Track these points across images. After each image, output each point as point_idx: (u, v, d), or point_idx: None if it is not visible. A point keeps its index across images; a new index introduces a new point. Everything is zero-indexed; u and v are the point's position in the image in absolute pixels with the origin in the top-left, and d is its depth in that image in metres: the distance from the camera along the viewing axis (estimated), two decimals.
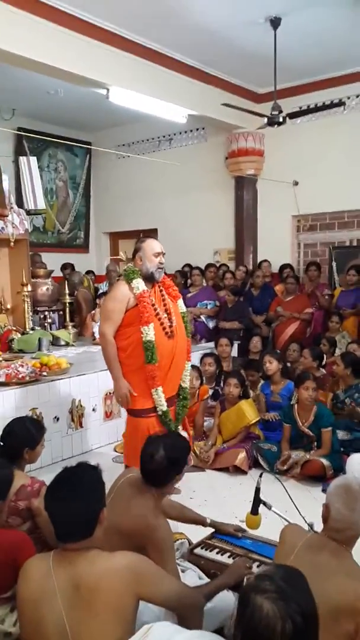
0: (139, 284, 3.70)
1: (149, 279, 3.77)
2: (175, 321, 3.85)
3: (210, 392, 5.31)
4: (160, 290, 3.90)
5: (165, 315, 3.82)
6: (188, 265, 8.03)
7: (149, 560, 1.88)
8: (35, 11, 4.94)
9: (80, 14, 5.28)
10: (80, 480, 1.78)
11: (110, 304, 3.79)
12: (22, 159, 6.85)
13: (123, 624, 1.65)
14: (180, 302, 4.07)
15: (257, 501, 2.45)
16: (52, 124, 8.70)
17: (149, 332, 3.63)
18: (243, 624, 1.26)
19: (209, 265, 7.90)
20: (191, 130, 8.56)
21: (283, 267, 7.31)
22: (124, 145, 9.21)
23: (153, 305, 3.74)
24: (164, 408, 3.74)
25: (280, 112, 5.77)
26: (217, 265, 8.10)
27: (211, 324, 7.15)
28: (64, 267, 8.63)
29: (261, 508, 2.46)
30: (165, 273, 4.00)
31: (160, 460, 2.31)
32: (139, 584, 1.72)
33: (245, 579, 2.20)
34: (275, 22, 5.55)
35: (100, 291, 7.45)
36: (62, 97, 7.46)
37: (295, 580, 1.32)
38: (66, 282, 7.15)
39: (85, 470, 1.84)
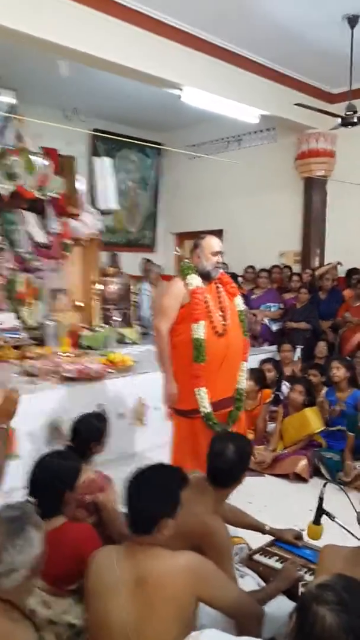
0: (193, 280, 3.66)
1: (205, 276, 3.73)
2: (229, 319, 3.76)
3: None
4: (217, 287, 3.82)
5: (220, 313, 3.73)
6: (251, 267, 7.96)
7: (212, 563, 1.88)
8: (110, 11, 4.99)
9: (154, 13, 5.31)
10: (155, 479, 1.84)
11: (165, 299, 3.76)
12: (97, 160, 7.02)
13: (182, 623, 1.67)
14: (238, 299, 3.96)
15: (320, 511, 2.41)
16: (124, 125, 8.84)
17: (198, 330, 3.57)
18: (303, 634, 1.24)
19: (274, 267, 7.79)
20: (261, 131, 8.45)
21: (352, 272, 7.12)
22: (193, 145, 9.21)
23: (206, 302, 3.67)
24: (207, 410, 3.62)
25: (355, 112, 5.65)
26: (282, 267, 7.98)
27: (274, 327, 7.07)
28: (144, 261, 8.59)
29: (323, 519, 2.42)
30: (227, 272, 3.93)
31: (231, 457, 2.32)
32: (200, 585, 1.73)
33: (300, 585, 2.18)
34: (352, 21, 5.43)
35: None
36: (134, 98, 7.58)
37: (357, 592, 1.29)
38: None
39: (162, 472, 1.91)
